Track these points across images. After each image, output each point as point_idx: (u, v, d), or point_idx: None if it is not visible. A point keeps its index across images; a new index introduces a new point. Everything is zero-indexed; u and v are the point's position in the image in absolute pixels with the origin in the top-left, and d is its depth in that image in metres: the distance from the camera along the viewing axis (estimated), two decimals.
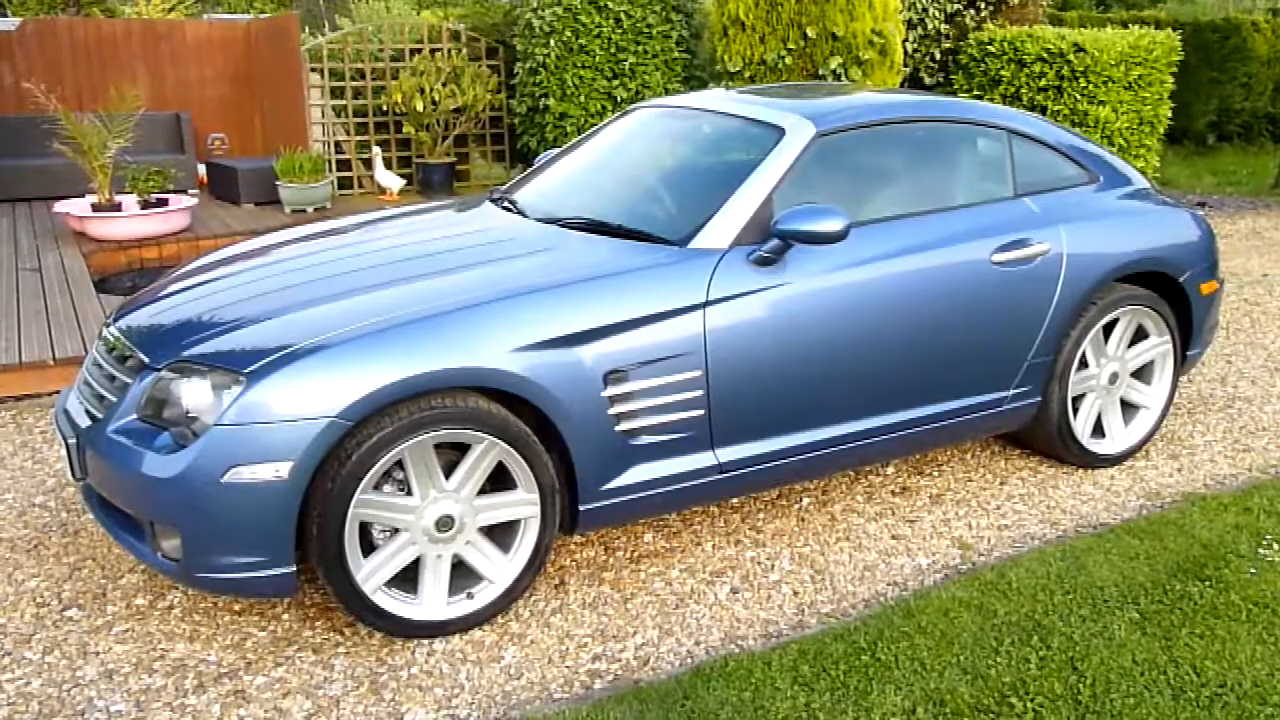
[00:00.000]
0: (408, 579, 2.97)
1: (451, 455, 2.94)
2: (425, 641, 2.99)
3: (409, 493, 2.90)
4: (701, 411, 3.17)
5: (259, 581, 2.77)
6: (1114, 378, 4.07)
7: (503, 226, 3.66)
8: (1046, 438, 4.02)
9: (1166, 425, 4.52)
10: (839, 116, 3.60)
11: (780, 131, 3.52)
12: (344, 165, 10.17)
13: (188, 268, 3.77)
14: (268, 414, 2.66)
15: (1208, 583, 3.19)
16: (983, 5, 9.36)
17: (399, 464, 2.86)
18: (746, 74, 7.77)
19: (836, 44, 7.50)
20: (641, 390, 3.06)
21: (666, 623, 3.09)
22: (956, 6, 9.27)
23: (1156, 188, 4.36)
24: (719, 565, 3.41)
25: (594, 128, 4.48)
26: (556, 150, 4.48)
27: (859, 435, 3.49)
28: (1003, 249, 3.66)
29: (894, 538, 3.59)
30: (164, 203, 8.00)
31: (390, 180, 9.57)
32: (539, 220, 3.66)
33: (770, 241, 3.24)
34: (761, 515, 3.74)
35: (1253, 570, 3.27)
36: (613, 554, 3.49)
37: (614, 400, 3.03)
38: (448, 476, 2.93)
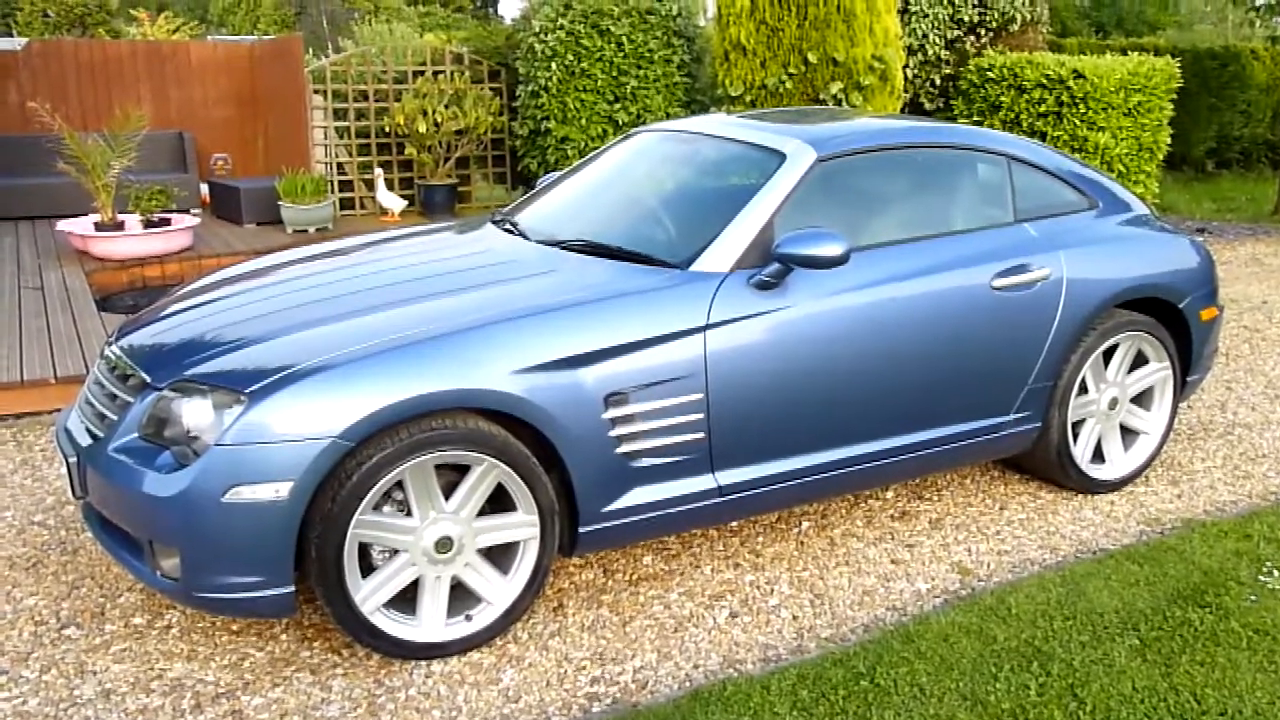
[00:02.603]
0: (406, 600, 2.96)
1: (451, 476, 2.94)
2: (423, 663, 2.98)
3: (409, 514, 2.90)
4: (702, 435, 3.17)
5: (258, 601, 2.77)
6: (1114, 403, 4.08)
7: (504, 248, 3.68)
8: (1046, 463, 4.02)
9: (1166, 451, 4.51)
10: (840, 141, 3.62)
11: (781, 156, 3.54)
12: (346, 186, 10.21)
13: (190, 287, 3.78)
14: (269, 434, 2.66)
15: (1208, 609, 3.19)
16: (982, 32, 9.42)
17: (399, 485, 2.86)
18: (747, 99, 7.80)
19: (837, 69, 7.54)
20: (642, 413, 3.06)
21: (665, 646, 3.08)
22: (957, 33, 9.33)
23: (1156, 214, 4.38)
24: (718, 589, 3.40)
25: (595, 151, 4.50)
26: (558, 173, 4.50)
27: (859, 459, 3.49)
28: (1003, 274, 3.67)
29: (893, 562, 3.59)
30: (166, 222, 8.03)
31: (392, 201, 9.60)
32: (540, 242, 3.68)
33: (771, 265, 3.25)
34: (761, 539, 3.73)
35: (1253, 597, 3.26)
36: (611, 576, 3.48)
37: (614, 422, 3.03)
38: (447, 498, 2.93)
